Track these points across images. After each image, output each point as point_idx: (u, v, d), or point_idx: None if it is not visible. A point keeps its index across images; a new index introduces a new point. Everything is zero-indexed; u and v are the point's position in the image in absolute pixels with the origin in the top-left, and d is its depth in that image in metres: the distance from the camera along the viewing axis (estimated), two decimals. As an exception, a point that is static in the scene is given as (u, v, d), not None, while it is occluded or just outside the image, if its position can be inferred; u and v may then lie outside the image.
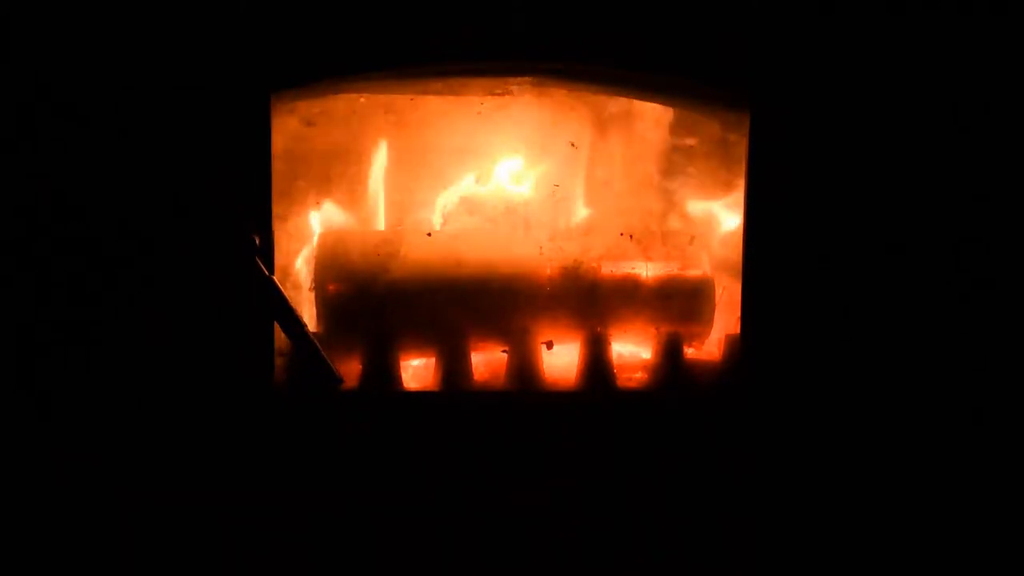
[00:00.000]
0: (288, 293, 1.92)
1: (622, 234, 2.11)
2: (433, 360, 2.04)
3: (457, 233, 2.10)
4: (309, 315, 2.02)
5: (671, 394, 2.03)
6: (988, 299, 1.94)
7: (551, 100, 2.12)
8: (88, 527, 1.66)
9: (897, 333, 1.95)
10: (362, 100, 2.08)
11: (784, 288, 1.93)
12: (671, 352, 2.05)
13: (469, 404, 1.98)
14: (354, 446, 1.90)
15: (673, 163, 2.15)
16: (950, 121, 1.91)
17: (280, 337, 1.90)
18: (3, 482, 1.77)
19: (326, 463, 1.88)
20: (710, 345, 2.11)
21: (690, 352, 2.09)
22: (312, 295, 2.04)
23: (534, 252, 2.07)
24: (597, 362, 2.03)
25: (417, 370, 2.07)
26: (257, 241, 1.84)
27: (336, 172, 2.09)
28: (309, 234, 2.08)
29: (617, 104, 2.13)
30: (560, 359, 2.06)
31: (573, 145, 2.13)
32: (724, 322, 2.08)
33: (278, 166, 1.89)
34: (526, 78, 2.03)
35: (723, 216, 2.12)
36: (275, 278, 1.87)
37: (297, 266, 2.06)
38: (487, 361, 2.07)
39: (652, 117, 2.15)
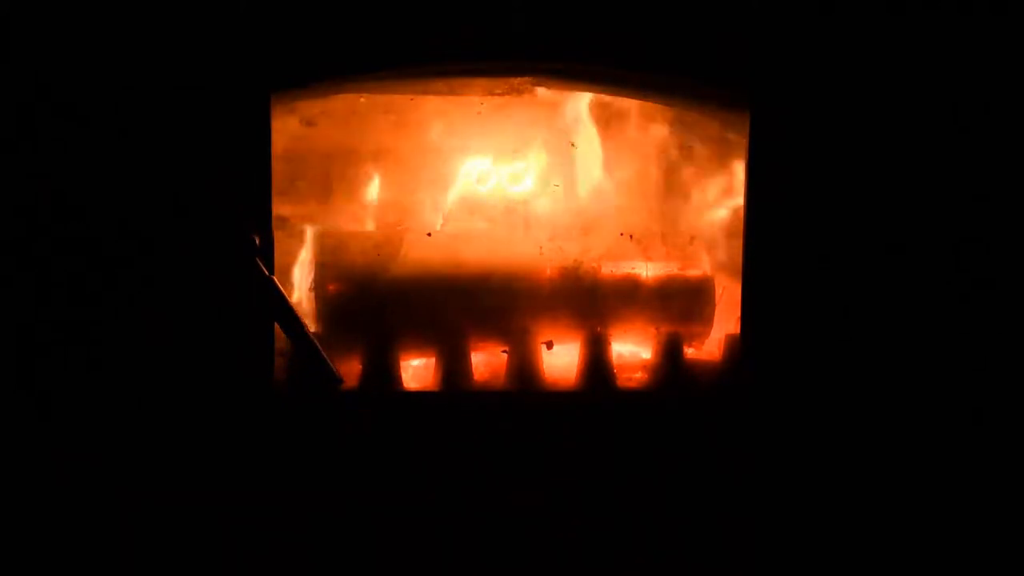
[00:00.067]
0: (288, 293, 1.92)
1: (622, 234, 2.11)
2: (433, 360, 2.04)
3: (457, 233, 2.10)
4: (309, 315, 2.02)
5: (671, 394, 2.03)
6: (988, 299, 1.94)
7: (552, 100, 2.11)
8: (88, 527, 1.66)
9: (897, 333, 1.95)
10: (362, 100, 2.08)
11: (784, 288, 1.93)
12: (671, 352, 2.05)
13: (469, 404, 1.98)
14: (354, 446, 1.90)
15: (673, 163, 2.15)
16: (950, 121, 1.91)
17: (280, 337, 1.90)
18: (3, 482, 1.76)
19: (326, 463, 1.88)
20: (710, 345, 2.11)
21: (690, 352, 2.09)
22: (312, 295, 2.04)
23: (534, 252, 2.07)
24: (597, 362, 2.03)
25: (417, 370, 2.07)
26: (257, 241, 1.84)
27: (336, 172, 2.09)
28: (309, 234, 2.07)
29: (617, 103, 2.13)
30: (560, 359, 2.06)
31: (573, 145, 2.13)
32: (724, 322, 2.08)
33: (278, 166, 1.89)
34: (526, 78, 2.03)
35: (723, 216, 2.11)
36: (275, 278, 1.87)
37: (297, 266, 2.06)
38: (487, 361, 2.07)
39: (652, 116, 2.15)
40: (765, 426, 1.96)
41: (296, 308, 1.91)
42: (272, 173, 1.86)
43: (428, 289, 2.02)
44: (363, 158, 2.10)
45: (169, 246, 1.82)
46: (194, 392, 1.85)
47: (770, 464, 1.94)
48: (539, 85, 2.06)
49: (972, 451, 1.93)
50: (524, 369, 2.02)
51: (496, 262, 2.06)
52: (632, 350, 2.11)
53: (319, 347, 1.90)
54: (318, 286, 2.04)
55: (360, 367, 1.99)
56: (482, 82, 2.04)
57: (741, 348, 1.98)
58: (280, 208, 1.96)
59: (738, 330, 1.99)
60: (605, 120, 2.14)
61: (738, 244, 1.98)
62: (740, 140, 1.98)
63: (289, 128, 2.03)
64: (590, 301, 2.06)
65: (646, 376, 2.06)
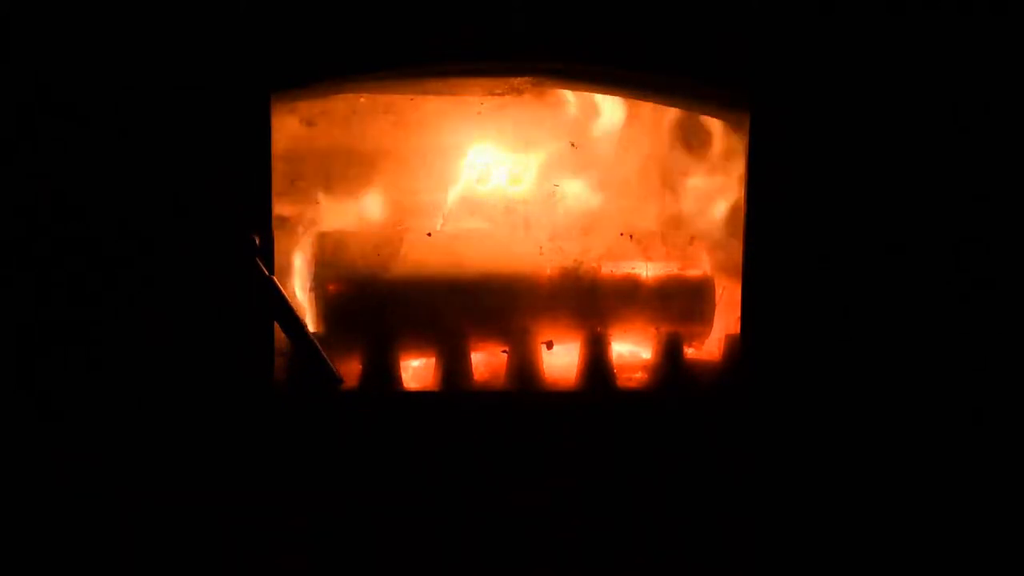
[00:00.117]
0: (288, 293, 1.92)
1: (622, 234, 2.11)
2: (433, 360, 2.04)
3: (457, 233, 2.10)
4: (309, 315, 2.03)
5: (671, 394, 2.03)
6: (988, 299, 1.94)
7: (551, 100, 2.11)
8: (88, 527, 1.66)
9: (897, 333, 1.95)
10: (362, 100, 2.08)
11: (784, 288, 1.94)
12: (671, 352, 2.05)
13: (469, 404, 1.98)
14: (354, 446, 1.90)
15: (673, 163, 2.15)
16: (950, 121, 1.91)
17: (280, 337, 1.90)
18: (3, 482, 1.76)
19: (326, 463, 1.88)
20: (710, 345, 2.11)
21: (690, 352, 2.09)
22: (312, 295, 2.04)
23: (534, 252, 2.07)
24: (597, 362, 2.03)
25: (417, 370, 2.07)
26: (257, 241, 1.84)
27: (336, 172, 2.09)
28: (309, 234, 2.07)
29: (617, 103, 2.13)
30: (560, 359, 2.06)
31: (573, 145, 2.13)
32: (724, 322, 2.08)
33: (278, 166, 1.89)
34: (526, 78, 2.03)
35: (723, 216, 2.11)
36: (275, 278, 1.87)
37: (297, 266, 2.06)
38: (487, 361, 2.07)
39: (653, 116, 2.15)
40: (765, 426, 1.96)
41: (296, 308, 1.91)
42: (272, 173, 1.86)
43: (428, 289, 2.02)
44: (363, 158, 2.10)
45: (169, 246, 1.82)
46: (194, 392, 1.85)
47: (770, 464, 1.94)
48: (539, 85, 2.06)
49: (972, 451, 1.93)
50: (524, 369, 2.02)
51: (496, 262, 2.06)
52: (632, 350, 2.11)
53: (319, 347, 1.90)
54: (318, 286, 2.04)
55: (360, 367, 1.99)
56: (482, 82, 2.05)
57: (741, 348, 1.98)
58: (280, 208, 1.96)
59: (738, 330, 1.99)
60: (605, 120, 2.14)
61: (738, 244, 1.97)
62: (740, 140, 1.98)
63: (289, 128, 2.03)
64: (590, 301, 2.06)
65: (646, 376, 2.06)
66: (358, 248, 2.05)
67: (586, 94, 2.12)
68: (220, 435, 1.86)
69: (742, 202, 1.97)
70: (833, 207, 1.92)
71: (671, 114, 2.14)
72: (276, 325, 1.88)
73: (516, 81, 2.04)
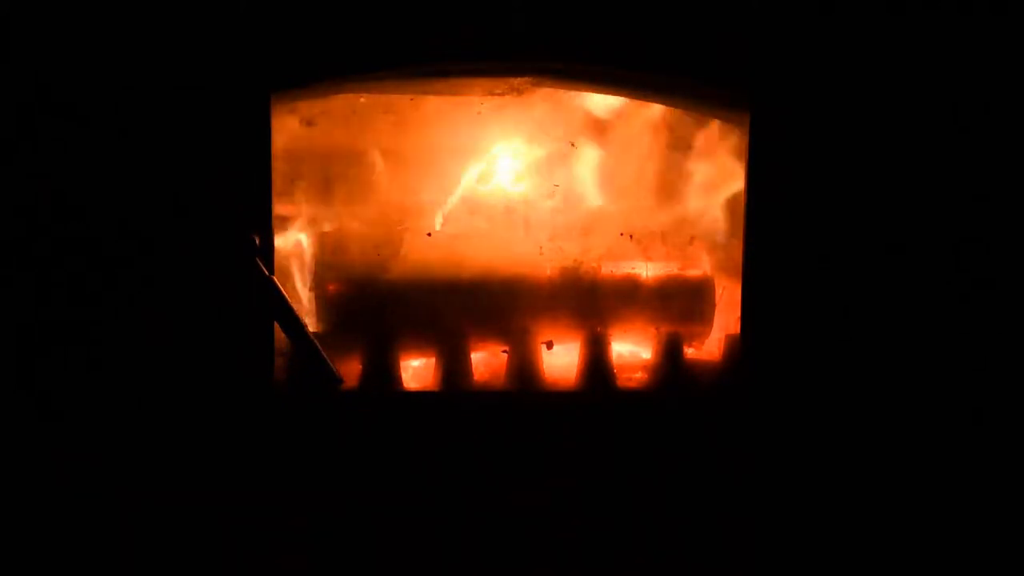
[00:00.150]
0: (288, 293, 1.92)
1: (622, 234, 2.11)
2: (433, 360, 2.04)
3: (457, 233, 2.10)
4: (309, 315, 2.02)
5: (671, 394, 2.04)
6: (988, 299, 1.94)
7: (551, 100, 2.11)
8: (88, 527, 1.66)
9: (897, 333, 1.95)
10: (362, 100, 2.08)
11: (784, 288, 1.93)
12: (671, 352, 2.05)
13: (469, 404, 1.98)
14: (354, 446, 1.90)
15: (673, 162, 2.15)
16: (950, 121, 1.91)
17: (280, 337, 1.90)
18: (3, 482, 1.76)
19: (326, 463, 1.88)
20: (710, 345, 2.11)
21: (690, 352, 2.09)
22: (312, 295, 2.04)
23: (534, 252, 2.07)
24: (597, 362, 2.03)
25: (417, 370, 2.07)
26: (257, 241, 1.84)
27: (336, 172, 2.09)
28: (309, 234, 2.07)
29: (617, 103, 2.13)
30: (560, 359, 2.06)
31: (573, 145, 2.13)
32: (724, 322, 2.08)
33: (278, 166, 1.89)
34: (526, 78, 2.02)
35: (723, 216, 2.11)
36: (275, 278, 1.87)
37: (297, 266, 2.06)
38: (487, 361, 2.07)
39: (653, 116, 2.15)
40: (765, 426, 1.96)
41: (296, 308, 1.91)
42: (272, 173, 1.86)
43: (428, 289, 2.03)
44: (363, 158, 2.10)
45: (169, 246, 1.82)
46: (194, 392, 1.85)
47: (770, 464, 1.94)
48: (539, 85, 2.06)
49: (972, 451, 1.93)
50: (524, 369, 2.02)
51: (496, 262, 2.06)
52: (632, 350, 2.11)
53: (319, 347, 1.90)
54: (318, 286, 2.04)
55: (360, 367, 1.99)
56: (482, 82, 2.05)
57: (741, 348, 1.98)
58: (280, 208, 1.96)
59: (738, 330, 1.99)
60: (605, 120, 2.14)
61: (738, 244, 1.97)
62: (740, 140, 1.98)
63: (289, 128, 2.03)
64: (590, 301, 2.06)
65: (646, 376, 2.06)
66: (358, 248, 2.05)
67: (586, 94, 2.11)
68: (220, 435, 1.86)
69: (742, 202, 1.97)
70: (833, 207, 1.92)
71: (671, 114, 2.14)
72: (276, 325, 1.88)
73: (516, 81, 2.04)
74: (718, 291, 2.10)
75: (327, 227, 2.08)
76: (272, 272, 1.87)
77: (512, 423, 1.94)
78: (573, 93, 2.11)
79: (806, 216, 1.92)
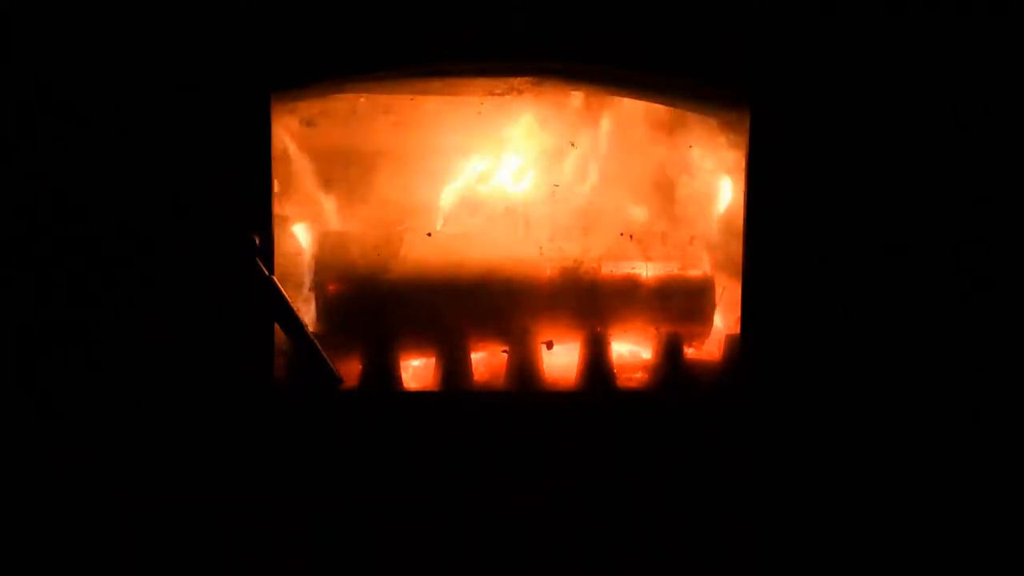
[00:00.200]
0: (288, 293, 1.92)
1: (622, 234, 2.11)
2: (433, 360, 2.04)
3: (457, 233, 2.10)
4: (309, 315, 2.02)
5: (671, 394, 2.04)
6: (988, 299, 1.94)
7: (551, 100, 2.11)
8: (88, 527, 1.66)
9: (897, 333, 1.95)
10: (362, 100, 2.08)
11: (784, 288, 1.93)
12: (671, 352, 2.05)
13: (469, 404, 1.98)
14: (354, 446, 1.90)
15: (673, 163, 2.15)
16: (950, 121, 1.91)
17: (280, 337, 1.90)
18: (3, 482, 1.77)
19: (326, 463, 1.88)
20: (710, 345, 2.11)
21: (690, 352, 2.09)
22: (312, 295, 2.04)
23: (534, 252, 2.07)
24: (597, 362, 2.03)
25: (417, 370, 2.07)
26: (257, 241, 1.84)
27: (336, 172, 2.09)
28: (309, 234, 2.07)
29: (617, 103, 2.13)
30: (560, 359, 2.06)
31: (573, 145, 2.13)
32: (724, 322, 2.08)
33: (278, 166, 1.89)
34: (526, 78, 2.02)
35: (723, 216, 2.11)
36: (275, 278, 1.87)
37: (297, 266, 2.06)
38: (487, 361, 2.07)
39: (652, 116, 2.15)
40: (765, 426, 1.96)
41: (296, 308, 1.91)
42: (272, 173, 1.86)
43: (428, 289, 2.03)
44: (363, 158, 2.10)
45: (169, 246, 1.82)
46: (194, 392, 1.85)
47: (770, 464, 1.94)
48: (539, 85, 2.06)
49: (972, 451, 1.93)
50: (524, 369, 2.02)
51: (496, 262, 2.06)
52: (632, 350, 2.11)
53: (319, 347, 1.90)
54: (318, 286, 2.04)
55: (360, 367, 1.99)
56: (482, 82, 2.05)
57: (741, 348, 1.98)
58: (280, 208, 1.96)
59: (738, 330, 1.99)
60: (605, 120, 2.14)
61: (738, 244, 1.97)
62: (740, 140, 1.98)
63: (289, 128, 2.03)
64: (590, 301, 2.06)
65: (646, 376, 2.06)
66: (358, 248, 2.05)
67: (586, 94, 2.11)
68: (220, 435, 1.86)
69: (742, 202, 1.97)
70: (833, 207, 1.92)
71: (672, 113, 2.14)
72: (276, 325, 1.88)
73: (516, 81, 2.04)
74: (718, 291, 2.10)
75: (327, 227, 2.08)
76: (272, 272, 1.87)
77: (512, 423, 1.94)
78: (573, 93, 2.11)
79: (806, 216, 1.92)
